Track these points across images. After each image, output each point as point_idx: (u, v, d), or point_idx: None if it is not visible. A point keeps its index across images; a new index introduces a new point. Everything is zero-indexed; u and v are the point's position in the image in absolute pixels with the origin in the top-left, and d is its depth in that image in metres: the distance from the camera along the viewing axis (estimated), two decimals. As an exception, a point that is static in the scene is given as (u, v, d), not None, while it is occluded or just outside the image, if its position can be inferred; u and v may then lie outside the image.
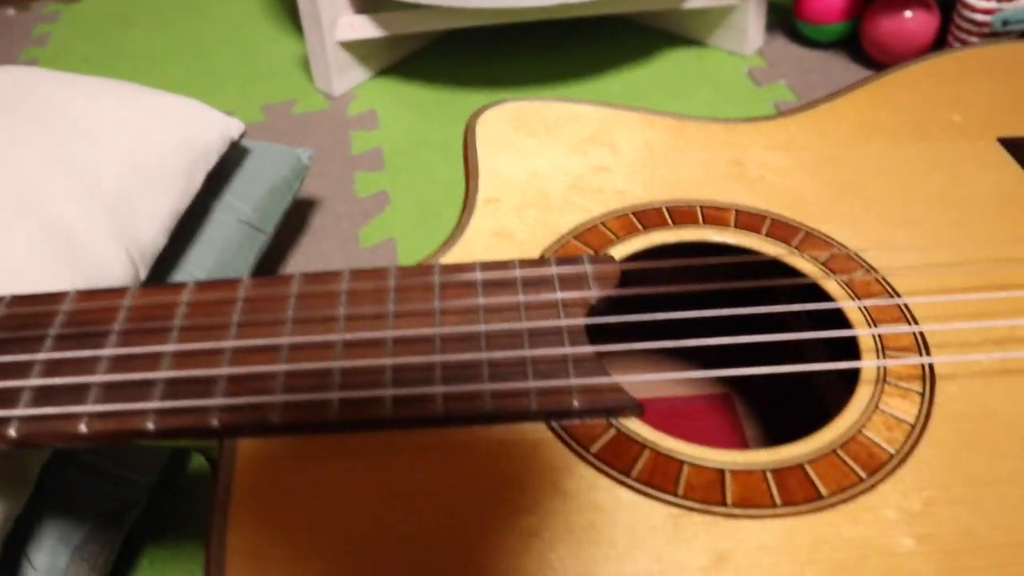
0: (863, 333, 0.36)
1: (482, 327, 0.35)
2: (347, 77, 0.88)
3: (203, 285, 0.38)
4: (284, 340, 0.35)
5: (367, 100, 0.87)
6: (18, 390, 0.34)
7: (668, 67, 0.87)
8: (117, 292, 0.38)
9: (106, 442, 0.33)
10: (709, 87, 0.84)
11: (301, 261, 0.69)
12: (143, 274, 0.52)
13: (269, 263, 0.69)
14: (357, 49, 0.88)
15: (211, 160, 0.59)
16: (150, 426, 0.32)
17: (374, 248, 0.69)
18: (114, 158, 0.53)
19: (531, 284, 0.37)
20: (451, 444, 0.32)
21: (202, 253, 0.59)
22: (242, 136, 0.63)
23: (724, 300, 0.41)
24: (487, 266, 0.38)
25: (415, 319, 0.35)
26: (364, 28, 0.84)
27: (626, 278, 0.38)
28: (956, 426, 0.32)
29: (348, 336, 0.35)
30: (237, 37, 0.99)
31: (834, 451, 0.31)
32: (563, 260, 0.38)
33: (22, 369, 0.34)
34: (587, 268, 0.38)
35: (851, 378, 0.35)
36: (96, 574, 0.46)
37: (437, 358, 0.34)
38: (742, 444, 0.46)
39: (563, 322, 0.35)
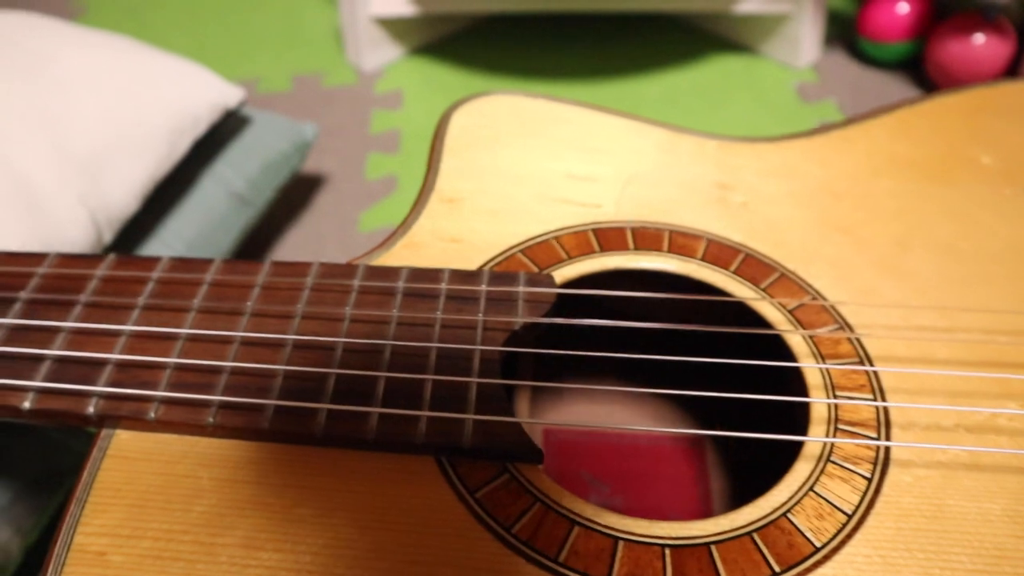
0: (817, 401, 0.31)
1: (388, 342, 0.32)
2: (379, 53, 0.85)
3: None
4: (183, 328, 0.32)
5: (395, 79, 0.84)
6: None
7: (712, 73, 0.82)
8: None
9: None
10: (752, 99, 0.79)
11: (295, 240, 0.67)
12: (108, 238, 0.51)
13: (261, 239, 0.67)
14: (391, 26, 0.85)
15: (200, 127, 0.57)
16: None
17: (372, 234, 0.67)
18: (90, 114, 0.52)
19: (455, 299, 0.34)
20: (335, 464, 0.29)
21: (184, 222, 0.57)
22: (241, 105, 0.61)
23: (673, 341, 0.37)
24: (413, 274, 0.34)
25: (321, 324, 0.32)
26: (400, 5, 0.81)
27: (563, 304, 0.35)
28: (900, 524, 0.28)
29: (247, 334, 0.32)
30: (275, 3, 0.97)
31: (750, 534, 0.27)
32: (497, 276, 0.35)
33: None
34: (520, 289, 0.34)
35: (797, 448, 0.30)
36: (20, 537, 0.45)
37: (332, 370, 0.31)
38: (704, 499, 0.42)
39: (476, 347, 0.32)
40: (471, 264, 0.37)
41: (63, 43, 0.55)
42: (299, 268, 0.35)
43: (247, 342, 0.32)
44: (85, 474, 0.29)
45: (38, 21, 0.58)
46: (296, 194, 0.71)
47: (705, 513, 0.40)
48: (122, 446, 0.30)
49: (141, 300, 0.33)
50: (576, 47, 0.87)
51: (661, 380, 0.42)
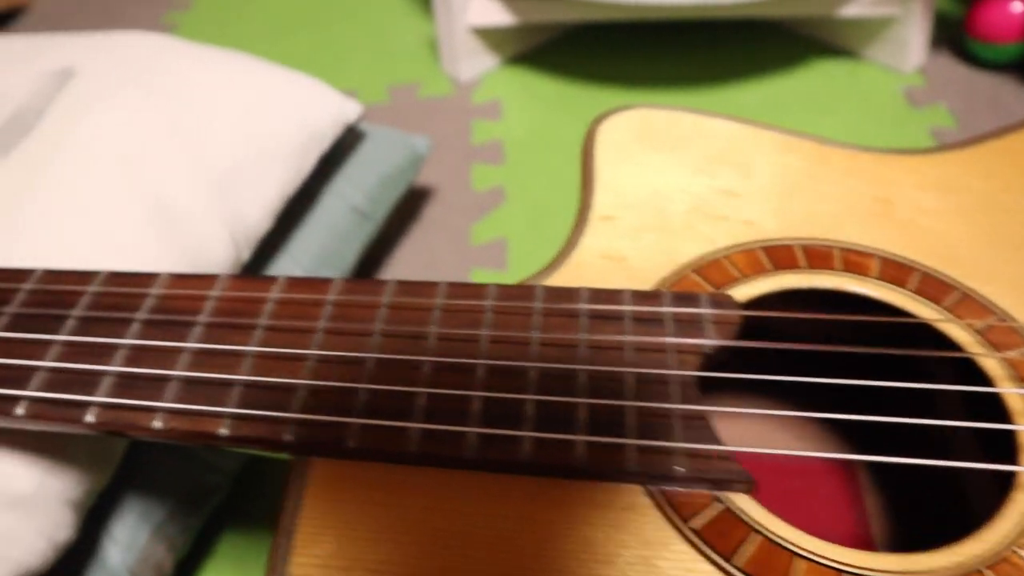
0: (1024, 426, 0.31)
1: (583, 366, 0.32)
2: (475, 63, 0.86)
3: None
4: (371, 355, 0.32)
5: (493, 89, 0.84)
6: (100, 374, 0.33)
7: (814, 80, 0.81)
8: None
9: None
10: (858, 105, 0.78)
11: (408, 253, 0.67)
12: (245, 256, 0.51)
13: (375, 251, 0.67)
14: (488, 35, 0.85)
15: (325, 142, 0.58)
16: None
17: (484, 247, 0.67)
18: (226, 134, 0.52)
19: (641, 321, 0.33)
20: (531, 494, 0.29)
21: (308, 238, 0.58)
22: (359, 119, 0.61)
23: (859, 365, 0.36)
24: (595, 295, 0.34)
25: (510, 347, 0.32)
26: (497, 14, 0.81)
27: (747, 325, 0.34)
28: None
29: (437, 359, 0.32)
30: (366, 13, 0.98)
31: (979, 571, 0.27)
32: (679, 297, 0.34)
33: (107, 352, 0.33)
34: (705, 310, 0.34)
35: (1005, 477, 0.30)
36: (173, 554, 0.46)
37: (531, 396, 0.31)
38: (861, 522, 0.41)
39: (673, 371, 0.31)
40: (639, 284, 0.36)
41: (189, 61, 0.56)
42: (475, 290, 0.35)
43: (437, 367, 0.32)
44: (289, 503, 0.29)
45: (160, 40, 0.59)
46: (404, 206, 0.71)
47: (864, 538, 0.40)
48: (321, 473, 0.30)
49: (322, 323, 0.34)
50: (673, 55, 0.86)
51: (829, 404, 0.41)
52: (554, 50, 0.88)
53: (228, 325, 0.34)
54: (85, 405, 0.32)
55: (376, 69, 0.88)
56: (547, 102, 0.81)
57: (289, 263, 0.56)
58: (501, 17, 0.81)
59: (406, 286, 0.35)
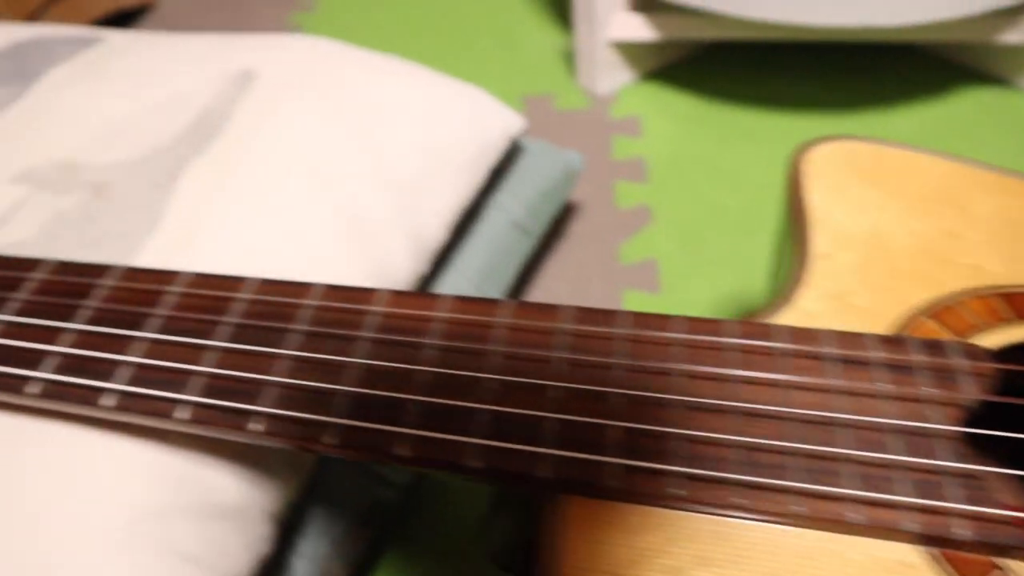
0: None
1: (839, 415, 0.31)
2: (612, 78, 0.85)
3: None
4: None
5: (630, 104, 0.83)
6: (332, 392, 0.32)
7: (966, 108, 0.79)
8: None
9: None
10: (1012, 134, 0.75)
11: (556, 269, 0.67)
12: (424, 269, 0.51)
13: (526, 266, 0.67)
14: (627, 50, 0.84)
15: (494, 155, 0.58)
16: (542, 474, 0.30)
17: (635, 267, 0.66)
18: (406, 144, 0.52)
19: (890, 368, 0.32)
20: (807, 551, 0.28)
21: (473, 252, 0.57)
22: (522, 132, 0.61)
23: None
24: (840, 339, 0.33)
25: (763, 390, 0.32)
26: (640, 29, 0.81)
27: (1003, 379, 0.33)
28: None
29: (689, 398, 0.31)
30: (496, 21, 0.98)
31: None
32: (927, 344, 0.33)
33: (336, 369, 0.33)
34: (958, 360, 0.33)
35: None
36: (350, 569, 0.46)
37: (793, 445, 0.30)
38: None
39: (938, 425, 0.30)
40: (872, 327, 0.35)
41: (362, 68, 0.56)
42: (712, 325, 0.34)
43: (692, 407, 0.31)
44: (547, 550, 0.29)
45: (330, 45, 0.59)
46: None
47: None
48: (577, 515, 0.30)
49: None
50: (814, 76, 0.85)
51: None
52: (691, 67, 0.87)
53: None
54: (323, 425, 0.32)
55: (509, 78, 0.88)
56: (688, 120, 0.80)
57: (457, 277, 0.56)
58: (644, 32, 0.81)
59: (643, 319, 0.35)
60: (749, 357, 0.33)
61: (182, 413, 0.32)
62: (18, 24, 0.69)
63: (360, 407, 0.32)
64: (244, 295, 0.37)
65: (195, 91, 0.54)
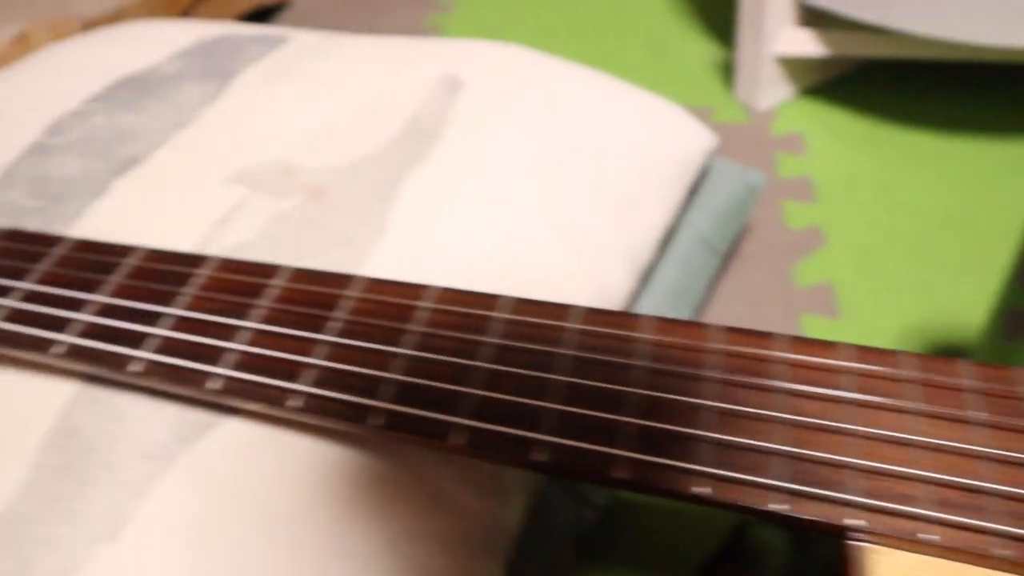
0: None
1: None
2: (772, 93, 0.83)
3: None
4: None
5: (791, 121, 0.81)
6: (616, 424, 0.31)
7: None
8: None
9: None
10: None
11: (730, 289, 0.65)
12: (634, 287, 0.50)
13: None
14: (790, 65, 0.82)
15: (693, 172, 0.56)
16: (853, 521, 0.28)
17: (811, 290, 0.64)
18: (619, 161, 0.51)
19: None
20: None
21: (665, 271, 0.56)
22: (715, 150, 0.59)
23: None
24: None
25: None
26: (809, 44, 0.78)
27: None
28: None
29: (997, 451, 0.29)
30: (643, 29, 0.96)
31: None
32: None
33: (617, 400, 0.32)
34: None
35: None
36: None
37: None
38: None
39: None
40: None
41: (563, 79, 0.55)
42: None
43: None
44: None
45: (528, 54, 0.58)
46: (717, 238, 0.69)
47: None
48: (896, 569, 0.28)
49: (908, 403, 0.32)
50: (977, 94, 0.81)
51: None
52: (850, 83, 0.85)
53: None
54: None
55: (661, 89, 0.86)
56: (853, 139, 0.78)
57: (652, 296, 0.54)
58: (812, 48, 0.78)
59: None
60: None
61: (455, 438, 0.31)
62: (200, 22, 0.69)
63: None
64: (499, 314, 0.36)
65: (402, 96, 0.53)
